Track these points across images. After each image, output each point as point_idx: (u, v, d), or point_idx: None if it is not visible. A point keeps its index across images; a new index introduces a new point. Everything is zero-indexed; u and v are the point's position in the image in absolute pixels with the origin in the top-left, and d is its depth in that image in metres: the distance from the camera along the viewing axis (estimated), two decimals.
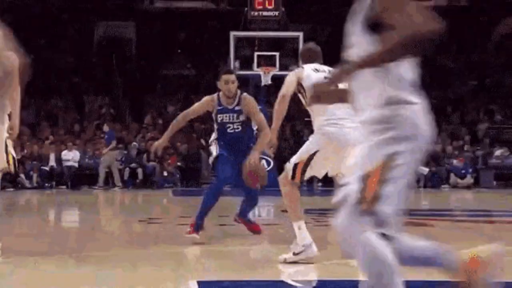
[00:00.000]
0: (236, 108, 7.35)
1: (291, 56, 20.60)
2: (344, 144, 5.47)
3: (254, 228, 7.85)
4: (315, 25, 25.60)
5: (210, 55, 26.07)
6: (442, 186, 21.11)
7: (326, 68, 5.93)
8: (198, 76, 26.91)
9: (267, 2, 21.61)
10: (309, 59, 6.12)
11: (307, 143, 5.82)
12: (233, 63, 20.25)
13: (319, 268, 5.70)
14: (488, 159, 22.72)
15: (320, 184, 19.96)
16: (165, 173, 20.63)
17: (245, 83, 21.65)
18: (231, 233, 8.73)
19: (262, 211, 13.89)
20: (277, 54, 20.12)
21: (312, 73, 5.82)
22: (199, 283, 4.82)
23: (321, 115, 5.65)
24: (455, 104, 26.84)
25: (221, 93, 7.54)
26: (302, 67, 6.01)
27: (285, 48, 21.10)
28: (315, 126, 5.78)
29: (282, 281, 5.02)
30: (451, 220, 11.02)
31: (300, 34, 20.36)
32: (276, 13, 21.80)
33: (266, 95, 21.05)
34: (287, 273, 5.25)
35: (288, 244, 7.57)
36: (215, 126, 7.60)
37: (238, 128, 7.34)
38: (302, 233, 5.65)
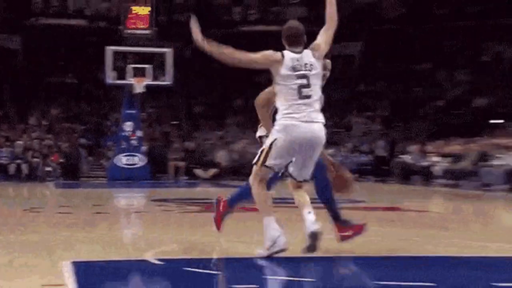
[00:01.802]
0: None
1: (161, 69, 20.44)
2: (299, 135, 4.85)
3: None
4: (182, 43, 25.49)
5: (89, 66, 25.36)
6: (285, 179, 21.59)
7: (303, 60, 4.89)
8: (78, 84, 26.18)
9: (139, 22, 21.38)
10: (291, 42, 4.96)
11: (269, 136, 5.04)
12: (110, 74, 19.86)
13: (185, 248, 5.65)
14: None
15: (185, 177, 19.93)
16: (48, 168, 19.84)
17: (120, 91, 21.26)
18: (103, 219, 8.52)
19: (135, 200, 13.66)
20: (148, 66, 19.94)
21: (288, 75, 4.86)
22: (73, 263, 4.64)
23: (280, 111, 4.93)
24: None
25: None
26: (282, 57, 4.89)
27: (156, 62, 20.91)
28: (277, 118, 4.97)
29: (147, 260, 4.92)
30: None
31: (169, 50, 20.25)
32: (149, 31, 21.63)
33: (139, 101, 20.79)
34: (150, 253, 5.16)
35: (150, 227, 7.47)
36: None
37: None
38: (269, 229, 4.86)
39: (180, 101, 25.63)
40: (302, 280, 4.33)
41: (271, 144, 4.91)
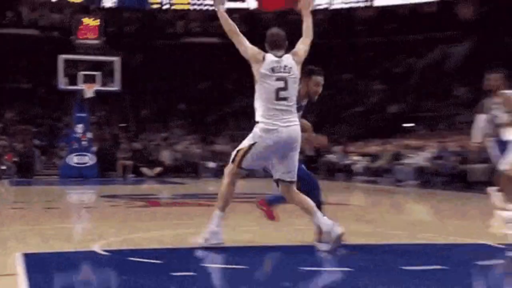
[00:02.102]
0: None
1: (110, 75, 20.07)
2: (278, 140, 4.72)
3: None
4: (130, 52, 25.08)
5: (43, 72, 24.63)
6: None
7: (283, 62, 4.82)
8: (33, 89, 25.40)
9: (90, 33, 20.95)
10: (273, 45, 4.90)
11: (249, 135, 4.84)
12: (62, 80, 19.37)
13: (130, 240, 5.54)
14: None
15: (133, 175, 19.60)
16: (3, 167, 19.13)
17: (72, 96, 20.72)
18: (54, 214, 8.27)
19: (85, 196, 13.31)
20: (98, 73, 19.57)
21: (267, 75, 4.77)
22: (24, 255, 4.48)
23: (259, 112, 4.79)
24: (234, 115, 27.56)
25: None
26: (264, 59, 4.82)
27: (105, 69, 20.52)
28: (256, 119, 4.81)
29: (94, 251, 4.80)
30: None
31: (117, 59, 19.90)
32: (98, 41, 21.21)
33: (90, 105, 20.34)
34: (98, 245, 5.03)
35: (99, 221, 7.31)
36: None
37: None
38: (214, 222, 4.76)
39: (128, 105, 25.23)
40: (237, 268, 4.32)
41: (250, 146, 4.75)
